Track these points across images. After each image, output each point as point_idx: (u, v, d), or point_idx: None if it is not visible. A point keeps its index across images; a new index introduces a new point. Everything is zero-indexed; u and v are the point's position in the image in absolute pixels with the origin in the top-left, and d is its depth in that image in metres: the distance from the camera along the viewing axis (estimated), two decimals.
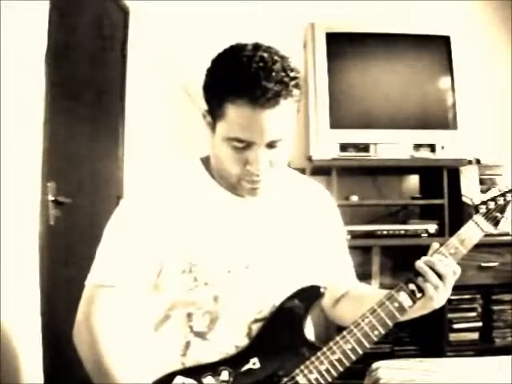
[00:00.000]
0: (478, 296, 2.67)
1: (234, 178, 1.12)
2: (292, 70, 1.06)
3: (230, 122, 1.05)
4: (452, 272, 1.14)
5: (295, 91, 1.06)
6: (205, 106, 1.12)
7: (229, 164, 1.10)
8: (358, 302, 1.24)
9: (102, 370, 1.04)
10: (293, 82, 1.05)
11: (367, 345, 1.12)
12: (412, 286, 1.14)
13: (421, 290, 1.14)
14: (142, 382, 1.07)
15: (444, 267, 1.13)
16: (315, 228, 1.27)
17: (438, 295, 1.13)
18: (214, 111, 1.08)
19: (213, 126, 1.11)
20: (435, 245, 1.19)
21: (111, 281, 1.10)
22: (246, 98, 1.02)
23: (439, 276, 1.13)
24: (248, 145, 1.06)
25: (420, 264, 1.14)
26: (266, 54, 1.04)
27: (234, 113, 1.04)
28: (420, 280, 1.14)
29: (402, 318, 1.15)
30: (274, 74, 1.02)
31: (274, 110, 1.03)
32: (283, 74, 1.03)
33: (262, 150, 1.07)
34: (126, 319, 1.12)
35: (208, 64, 1.10)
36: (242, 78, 1.02)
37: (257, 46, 1.06)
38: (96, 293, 1.10)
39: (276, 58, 1.05)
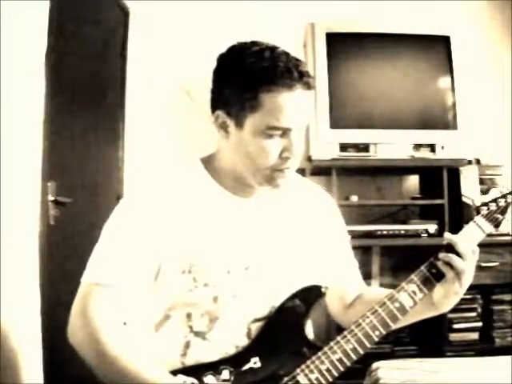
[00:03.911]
0: (478, 296, 2.66)
1: (268, 170, 1.12)
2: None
3: (268, 111, 1.07)
4: (471, 251, 1.15)
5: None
6: (209, 109, 1.14)
7: (264, 156, 1.10)
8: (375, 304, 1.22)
9: (107, 359, 1.03)
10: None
11: (368, 345, 1.12)
12: (413, 287, 1.15)
13: (421, 290, 1.15)
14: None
15: (464, 246, 1.14)
16: (316, 230, 1.27)
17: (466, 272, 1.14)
18: (243, 106, 1.08)
19: (239, 124, 1.10)
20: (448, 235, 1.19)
21: (107, 279, 1.09)
22: (284, 83, 1.05)
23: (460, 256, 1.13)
24: (284, 132, 1.09)
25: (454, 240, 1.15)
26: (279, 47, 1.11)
27: (272, 100, 1.06)
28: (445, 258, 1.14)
29: (410, 308, 1.15)
30: (297, 61, 1.09)
31: (305, 94, 1.08)
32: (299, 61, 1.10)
33: (295, 135, 1.10)
34: (122, 318, 1.11)
35: (211, 64, 1.11)
36: (277, 64, 1.06)
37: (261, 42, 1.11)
38: (91, 290, 1.09)
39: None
